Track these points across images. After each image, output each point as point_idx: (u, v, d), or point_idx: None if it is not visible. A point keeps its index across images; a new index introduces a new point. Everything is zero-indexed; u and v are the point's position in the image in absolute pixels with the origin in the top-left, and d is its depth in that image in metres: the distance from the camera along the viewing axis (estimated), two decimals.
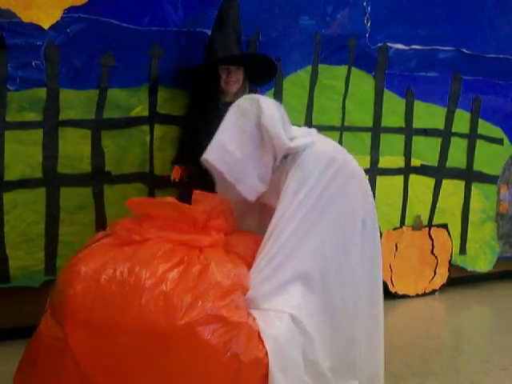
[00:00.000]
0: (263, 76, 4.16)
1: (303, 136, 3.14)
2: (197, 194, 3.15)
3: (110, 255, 2.82)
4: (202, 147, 3.91)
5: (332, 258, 3.03)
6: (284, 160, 3.10)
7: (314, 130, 3.31)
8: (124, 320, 2.64)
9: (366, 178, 3.32)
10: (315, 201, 3.02)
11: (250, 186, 3.05)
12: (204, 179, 3.95)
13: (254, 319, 2.80)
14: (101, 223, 4.02)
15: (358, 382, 3.11)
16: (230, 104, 3.91)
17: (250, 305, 2.85)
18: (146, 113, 4.09)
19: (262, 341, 2.76)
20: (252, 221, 3.35)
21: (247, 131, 3.02)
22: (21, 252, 3.89)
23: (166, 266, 2.75)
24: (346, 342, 3.07)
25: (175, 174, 3.99)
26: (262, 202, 3.20)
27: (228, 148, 3.01)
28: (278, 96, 4.46)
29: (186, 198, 3.60)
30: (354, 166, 3.22)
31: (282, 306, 2.88)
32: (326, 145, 3.24)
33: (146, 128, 4.11)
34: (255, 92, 4.08)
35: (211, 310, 2.69)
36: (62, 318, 2.69)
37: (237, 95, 3.95)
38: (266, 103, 3.06)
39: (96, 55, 3.91)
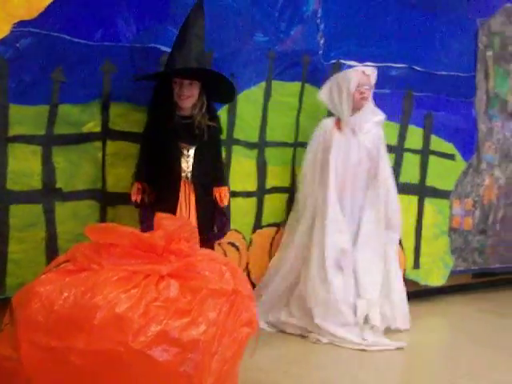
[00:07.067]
0: (222, 95, 4.12)
1: None
2: (158, 217, 3.16)
3: (66, 280, 2.83)
4: (159, 164, 3.92)
5: None
6: None
7: None
8: (76, 341, 2.64)
9: None
10: None
11: None
12: (159, 199, 3.95)
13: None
14: (51, 241, 3.96)
15: None
16: (186, 118, 3.94)
17: None
18: (98, 129, 4.04)
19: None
20: None
21: None
22: None
23: (120, 289, 2.75)
24: None
25: (136, 193, 3.91)
26: None
27: None
28: (231, 112, 4.47)
29: (150, 221, 3.56)
30: None
31: None
32: None
33: (99, 144, 4.05)
34: (214, 110, 4.09)
35: (163, 331, 2.68)
36: (17, 338, 2.68)
37: (193, 110, 3.95)
38: None
39: (46, 70, 3.84)
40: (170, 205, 3.83)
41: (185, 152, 3.94)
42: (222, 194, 4.09)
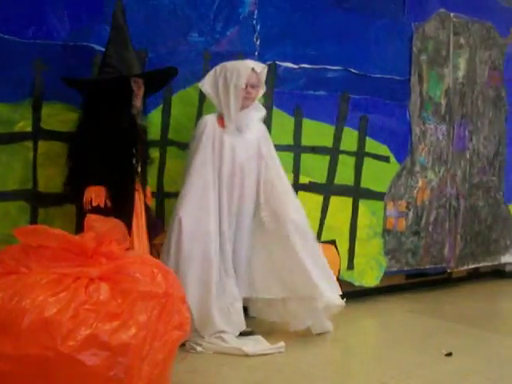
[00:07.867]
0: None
1: None
2: (89, 218, 3.11)
3: None
4: (115, 167, 3.82)
5: None
6: None
7: None
8: (4, 346, 2.60)
9: None
10: None
11: None
12: (116, 202, 3.83)
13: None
14: None
15: None
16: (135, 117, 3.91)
17: None
18: (29, 128, 3.97)
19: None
20: None
21: None
22: None
23: (49, 292, 2.71)
24: None
25: (97, 198, 3.67)
26: None
27: None
28: (166, 113, 4.45)
29: None
30: None
31: None
32: None
33: (30, 144, 3.98)
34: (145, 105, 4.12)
35: (92, 334, 2.65)
36: None
37: (138, 108, 3.94)
38: None
39: None
40: (127, 208, 3.79)
41: (135, 153, 3.91)
42: (149, 194, 4.17)
